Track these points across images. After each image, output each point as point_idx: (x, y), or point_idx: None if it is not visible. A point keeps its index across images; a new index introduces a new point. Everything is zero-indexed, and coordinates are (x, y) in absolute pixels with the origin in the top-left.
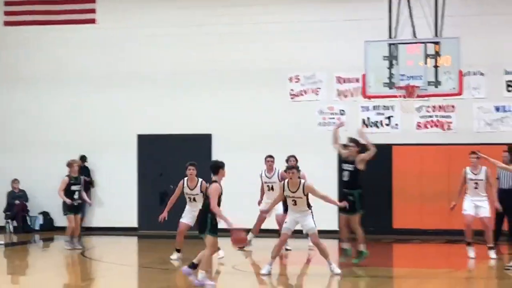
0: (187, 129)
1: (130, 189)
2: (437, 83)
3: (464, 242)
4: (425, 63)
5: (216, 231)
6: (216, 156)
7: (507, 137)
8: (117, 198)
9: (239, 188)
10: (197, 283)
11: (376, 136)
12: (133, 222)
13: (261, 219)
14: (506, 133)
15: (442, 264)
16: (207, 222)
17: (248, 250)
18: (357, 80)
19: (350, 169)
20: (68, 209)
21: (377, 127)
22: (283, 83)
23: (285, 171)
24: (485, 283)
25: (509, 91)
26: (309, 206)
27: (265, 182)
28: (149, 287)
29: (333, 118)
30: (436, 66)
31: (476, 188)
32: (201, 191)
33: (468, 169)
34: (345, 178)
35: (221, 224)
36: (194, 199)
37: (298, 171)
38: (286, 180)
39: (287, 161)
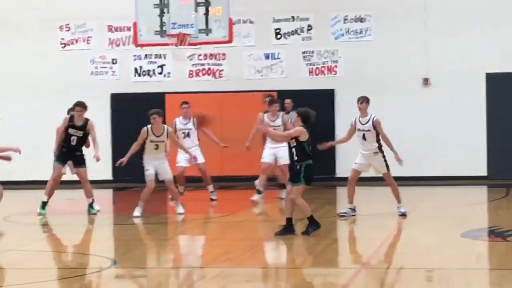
0: None
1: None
2: (208, 31)
3: None
4: (196, 11)
5: None
6: None
7: (276, 84)
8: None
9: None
10: None
11: (149, 85)
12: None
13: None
14: (275, 80)
15: (214, 209)
16: None
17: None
18: (129, 29)
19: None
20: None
21: (150, 76)
22: (54, 32)
23: None
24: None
25: (277, 38)
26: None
27: (180, 129)
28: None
29: (106, 67)
30: (206, 14)
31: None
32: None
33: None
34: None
35: None
36: None
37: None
38: None
39: None
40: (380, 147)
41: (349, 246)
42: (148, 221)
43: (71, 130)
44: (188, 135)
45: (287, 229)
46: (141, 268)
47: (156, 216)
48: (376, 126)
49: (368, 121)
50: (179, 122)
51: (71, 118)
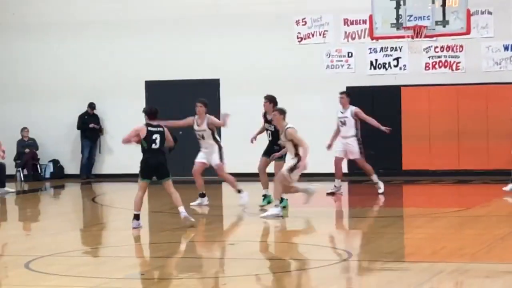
0: (195, 74)
1: None
2: (445, 23)
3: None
4: (433, 2)
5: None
6: (224, 101)
7: None
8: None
9: (248, 131)
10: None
11: (384, 78)
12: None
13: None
14: None
15: (451, 203)
16: None
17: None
18: (364, 22)
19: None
20: None
21: (385, 68)
22: (290, 26)
23: None
24: (497, 220)
25: None
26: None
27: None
28: (159, 230)
29: (341, 60)
30: (443, 6)
31: None
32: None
33: None
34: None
35: None
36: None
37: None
38: None
39: None
40: None
41: None
42: (382, 214)
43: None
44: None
45: None
46: (377, 261)
47: (391, 209)
48: None
49: None
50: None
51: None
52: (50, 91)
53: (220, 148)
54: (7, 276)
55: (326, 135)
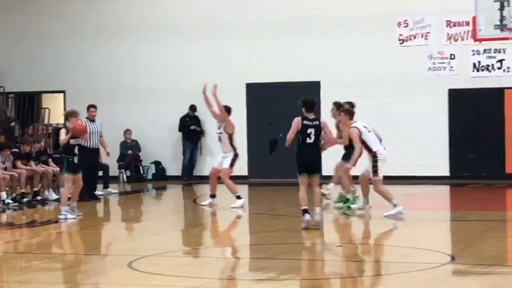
0: (296, 76)
1: (240, 138)
2: None
3: None
4: None
5: None
6: (324, 103)
7: None
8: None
9: None
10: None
11: (487, 80)
12: (244, 171)
13: None
14: None
15: None
16: None
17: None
18: (467, 23)
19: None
20: None
21: (489, 71)
22: (392, 28)
23: None
24: None
25: None
26: None
27: None
28: (259, 231)
29: (444, 62)
30: None
31: None
32: None
33: None
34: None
35: None
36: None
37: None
38: None
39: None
40: None
41: None
42: (487, 218)
43: None
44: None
45: None
46: (480, 265)
47: (494, 213)
48: None
49: None
50: None
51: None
52: (153, 93)
53: (235, 155)
54: (111, 275)
55: (430, 138)
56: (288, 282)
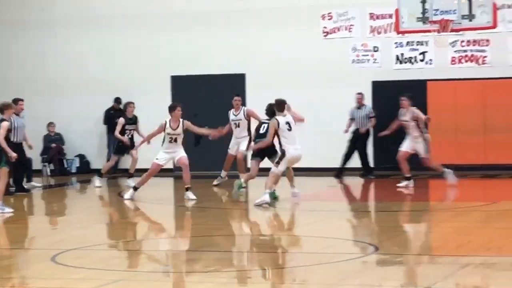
0: (221, 69)
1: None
2: (471, 17)
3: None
4: None
5: None
6: (250, 95)
7: None
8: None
9: None
10: None
11: (410, 72)
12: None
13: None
14: None
15: (477, 197)
16: None
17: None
18: (390, 16)
19: None
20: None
21: (411, 63)
22: (316, 21)
23: None
24: None
25: None
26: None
27: (232, 120)
28: (186, 224)
29: (367, 55)
30: (470, 0)
31: None
32: None
33: None
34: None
35: None
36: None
37: None
38: None
39: None
40: None
41: None
42: (406, 208)
43: None
44: (238, 125)
45: None
46: (402, 255)
47: (417, 203)
48: None
49: None
50: (231, 113)
51: None
52: (76, 86)
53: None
54: (34, 269)
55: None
56: (214, 274)
